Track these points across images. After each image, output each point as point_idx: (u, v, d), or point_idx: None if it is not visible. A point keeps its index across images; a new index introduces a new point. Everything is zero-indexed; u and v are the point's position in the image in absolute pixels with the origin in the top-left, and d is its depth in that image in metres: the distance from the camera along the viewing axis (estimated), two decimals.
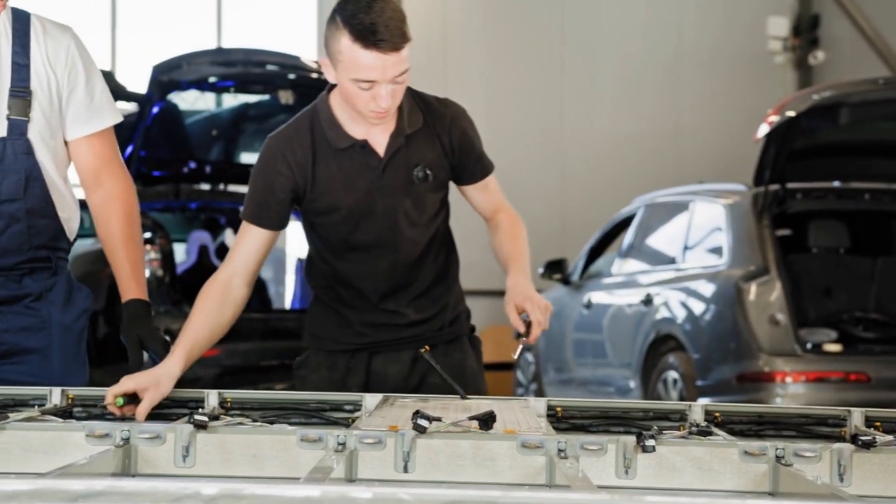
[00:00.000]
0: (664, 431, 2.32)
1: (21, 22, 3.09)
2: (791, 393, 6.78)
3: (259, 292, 9.23)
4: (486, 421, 2.27)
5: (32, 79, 3.06)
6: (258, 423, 2.41)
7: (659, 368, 7.65)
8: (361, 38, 2.90)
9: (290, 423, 2.61)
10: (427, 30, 15.31)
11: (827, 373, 6.81)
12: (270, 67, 7.82)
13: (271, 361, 7.51)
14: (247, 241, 3.15)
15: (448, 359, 3.28)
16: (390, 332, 3.31)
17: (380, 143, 3.16)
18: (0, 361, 3.11)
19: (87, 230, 9.25)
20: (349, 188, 3.16)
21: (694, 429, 2.37)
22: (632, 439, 2.20)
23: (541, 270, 9.72)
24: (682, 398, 7.23)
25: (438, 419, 2.24)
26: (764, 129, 7.07)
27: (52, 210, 3.14)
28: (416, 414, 2.21)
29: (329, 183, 3.16)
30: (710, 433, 2.35)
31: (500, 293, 3.41)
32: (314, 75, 7.93)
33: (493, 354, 6.89)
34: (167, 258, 7.38)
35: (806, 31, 14.67)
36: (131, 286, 3.14)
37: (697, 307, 7.40)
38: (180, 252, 9.00)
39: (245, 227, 3.16)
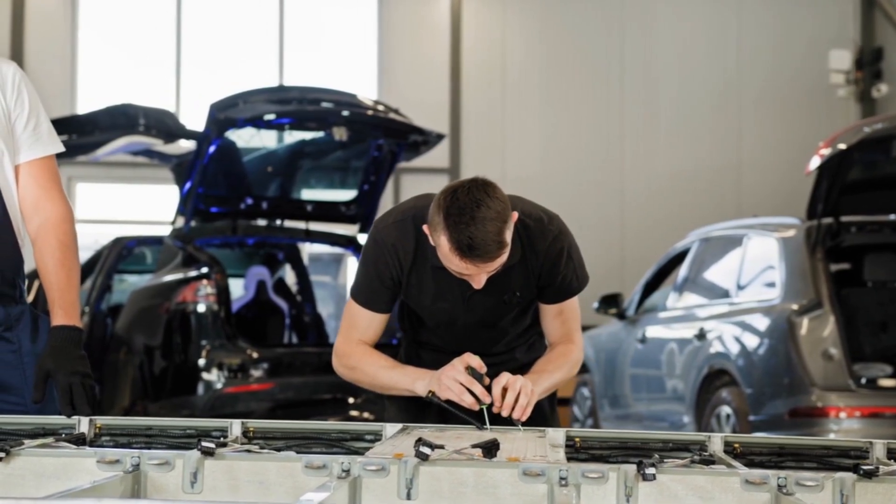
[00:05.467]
0: (666, 460, 2.33)
1: None
2: (845, 428, 6.69)
3: (316, 327, 9.31)
4: (490, 449, 2.30)
5: None
6: (265, 451, 2.45)
7: (712, 403, 7.59)
8: (458, 250, 2.95)
9: (312, 453, 2.65)
10: (487, 66, 15.41)
11: (882, 408, 6.71)
12: (325, 105, 7.89)
13: (324, 395, 7.55)
14: (365, 322, 3.34)
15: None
16: None
17: None
18: None
19: (145, 266, 9.39)
20: (438, 298, 3.28)
21: (696, 457, 2.37)
22: (632, 468, 2.20)
23: (595, 305, 9.71)
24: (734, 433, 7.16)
25: (441, 447, 2.27)
26: (815, 162, 7.02)
27: (13, 235, 3.19)
28: (419, 441, 2.24)
29: (419, 289, 3.28)
30: (713, 462, 2.34)
31: None
32: (369, 112, 8.01)
33: None
34: (222, 293, 7.47)
35: (869, 64, 14.56)
36: (57, 313, 3.14)
37: (750, 341, 7.34)
38: (238, 287, 9.12)
39: (359, 308, 3.32)
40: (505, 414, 3.06)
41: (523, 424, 3.04)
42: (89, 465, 2.26)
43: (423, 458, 2.22)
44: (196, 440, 2.76)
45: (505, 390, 3.06)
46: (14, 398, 3.15)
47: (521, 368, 3.30)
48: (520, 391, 3.06)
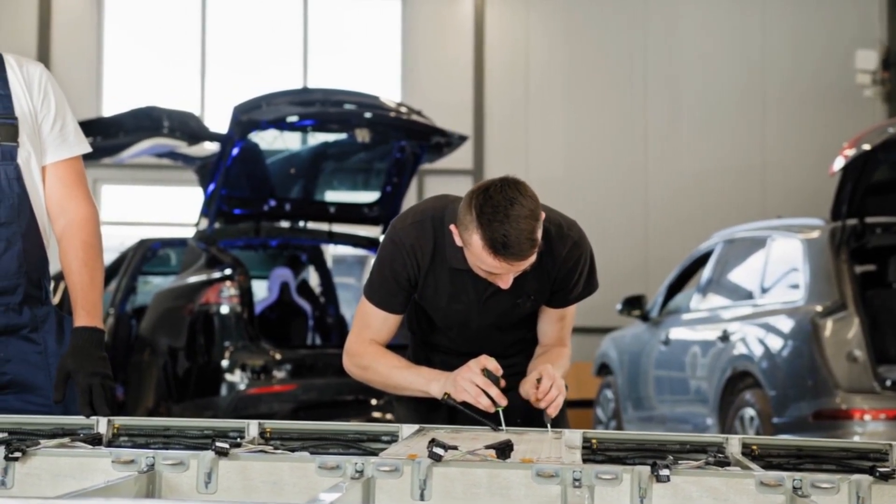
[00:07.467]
0: (681, 462, 2.32)
1: None
2: (870, 431, 6.64)
3: (339, 328, 9.33)
4: (503, 450, 2.29)
5: (16, 106, 3.17)
6: (279, 451, 2.45)
7: (735, 405, 7.55)
8: (492, 248, 2.94)
9: (328, 454, 2.65)
10: (510, 67, 15.40)
11: None
12: (348, 107, 7.91)
13: (346, 397, 7.56)
14: (378, 323, 3.32)
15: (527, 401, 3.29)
16: None
17: None
18: (4, 391, 3.17)
19: (170, 267, 9.43)
20: (453, 300, 3.28)
21: (711, 459, 2.36)
22: (646, 469, 2.20)
23: (619, 307, 9.69)
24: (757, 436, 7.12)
25: (455, 448, 2.27)
26: (840, 163, 6.98)
27: (39, 237, 3.22)
28: (432, 442, 2.24)
29: (435, 290, 3.28)
30: (728, 463, 2.33)
31: (581, 330, 3.47)
32: (392, 114, 8.02)
33: (573, 391, 6.86)
34: (245, 294, 7.50)
35: (895, 65, 14.46)
36: (80, 314, 3.16)
37: (774, 343, 7.31)
38: (262, 289, 9.15)
39: (373, 308, 3.30)
40: (543, 406, 3.08)
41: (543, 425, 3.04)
42: (104, 465, 2.28)
43: (437, 458, 2.22)
44: (213, 441, 2.78)
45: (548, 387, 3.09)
46: (39, 399, 3.18)
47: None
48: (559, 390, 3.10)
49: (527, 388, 3.16)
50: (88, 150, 3.32)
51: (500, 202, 2.92)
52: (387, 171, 8.44)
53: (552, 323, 3.40)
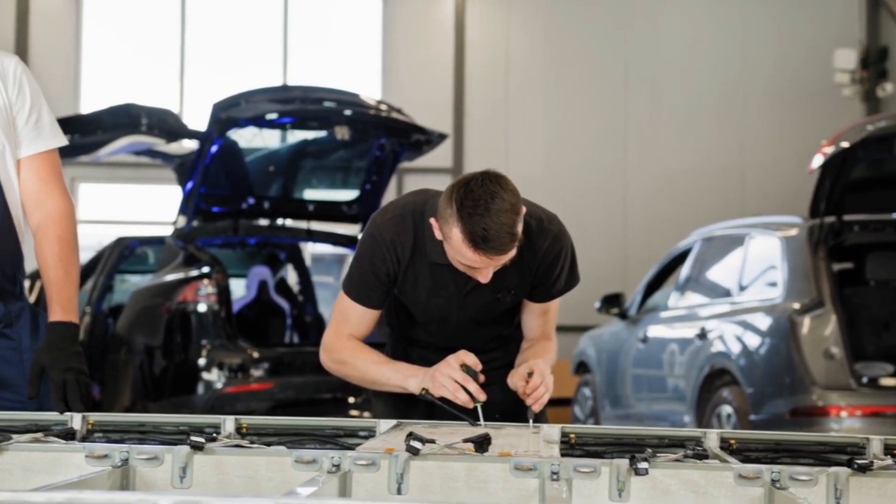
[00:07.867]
0: (659, 455, 2.31)
1: None
2: (846, 427, 6.66)
3: (318, 327, 9.30)
4: (482, 443, 2.28)
5: None
6: (255, 445, 2.43)
7: (713, 403, 7.56)
8: (472, 242, 2.92)
9: (304, 449, 2.63)
10: (491, 66, 15.40)
11: (883, 407, 6.68)
12: (327, 104, 7.89)
13: (324, 395, 7.54)
14: (356, 318, 3.30)
15: (507, 395, 3.27)
16: None
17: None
18: None
19: (148, 266, 9.37)
20: (433, 294, 3.26)
21: (689, 452, 2.35)
22: (625, 462, 2.19)
23: (597, 305, 9.69)
24: None
25: (432, 441, 2.26)
26: (818, 160, 6.99)
27: (14, 232, 3.18)
28: (410, 436, 2.22)
29: (415, 285, 3.26)
30: (706, 457, 2.33)
31: (559, 328, 3.46)
32: (371, 112, 8.00)
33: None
34: (223, 293, 7.47)
35: (874, 64, 14.52)
36: (55, 309, 3.12)
37: (751, 341, 7.32)
38: (240, 287, 9.11)
39: (352, 303, 3.28)
40: (530, 402, 3.08)
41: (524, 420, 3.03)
42: (78, 459, 2.25)
43: (414, 452, 2.21)
44: (188, 436, 2.75)
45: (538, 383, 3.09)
46: (13, 395, 3.14)
47: (509, 366, 3.29)
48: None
49: (515, 380, 3.15)
50: (64, 143, 3.28)
51: (481, 196, 2.90)
52: (366, 168, 8.42)
53: (536, 317, 3.39)
